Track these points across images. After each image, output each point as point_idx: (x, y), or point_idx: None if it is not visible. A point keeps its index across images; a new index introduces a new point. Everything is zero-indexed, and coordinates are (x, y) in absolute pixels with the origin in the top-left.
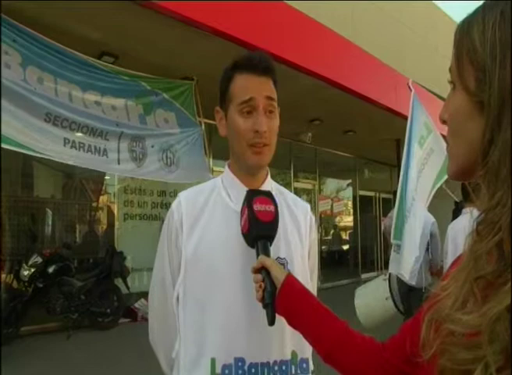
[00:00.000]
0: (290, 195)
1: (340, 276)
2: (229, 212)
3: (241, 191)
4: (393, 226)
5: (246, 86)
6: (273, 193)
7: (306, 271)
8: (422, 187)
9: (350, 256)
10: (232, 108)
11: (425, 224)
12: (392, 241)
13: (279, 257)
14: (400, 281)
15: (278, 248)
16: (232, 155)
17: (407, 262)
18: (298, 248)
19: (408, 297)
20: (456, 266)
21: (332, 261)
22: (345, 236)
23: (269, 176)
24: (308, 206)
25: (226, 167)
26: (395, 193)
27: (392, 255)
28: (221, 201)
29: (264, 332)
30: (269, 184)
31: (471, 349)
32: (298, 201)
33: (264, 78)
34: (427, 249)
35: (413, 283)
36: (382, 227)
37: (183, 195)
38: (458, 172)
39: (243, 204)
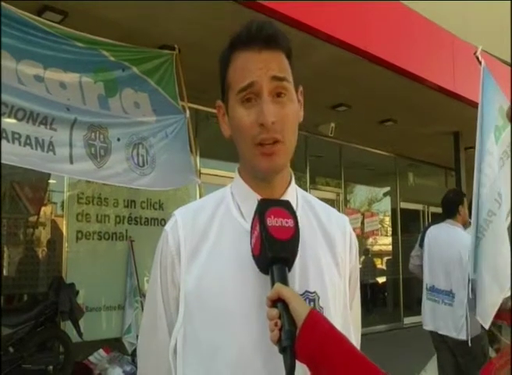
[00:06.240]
0: (321, 205)
1: (374, 319)
2: (240, 233)
3: (255, 203)
4: (472, 256)
5: (243, 67)
6: (299, 203)
7: (346, 309)
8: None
9: (387, 293)
10: (231, 98)
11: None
12: (473, 276)
13: (307, 291)
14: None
15: (306, 277)
16: (241, 158)
17: (485, 301)
18: (334, 277)
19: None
20: None
21: (362, 298)
22: (380, 264)
23: (293, 182)
24: (346, 219)
25: (236, 173)
26: None
27: (445, 309)
28: (230, 219)
29: None
30: (293, 192)
31: None
32: (332, 212)
33: (267, 52)
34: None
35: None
36: (410, 266)
37: (179, 213)
38: None
39: (254, 217)
